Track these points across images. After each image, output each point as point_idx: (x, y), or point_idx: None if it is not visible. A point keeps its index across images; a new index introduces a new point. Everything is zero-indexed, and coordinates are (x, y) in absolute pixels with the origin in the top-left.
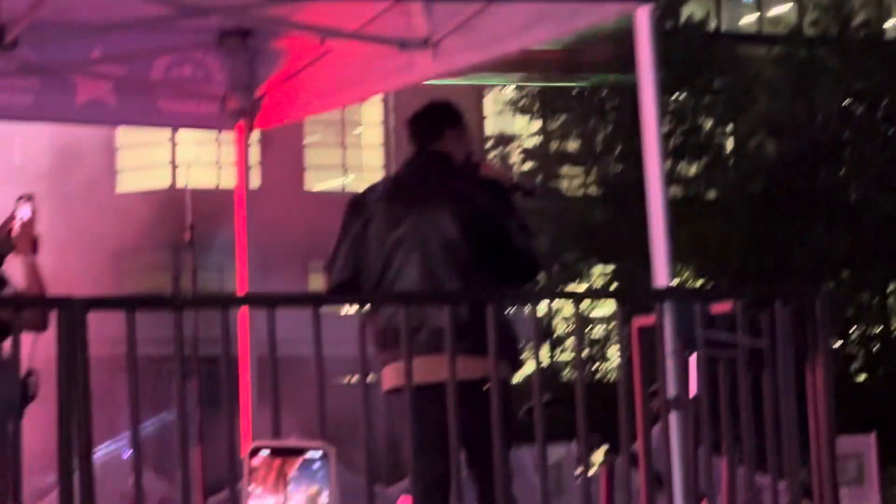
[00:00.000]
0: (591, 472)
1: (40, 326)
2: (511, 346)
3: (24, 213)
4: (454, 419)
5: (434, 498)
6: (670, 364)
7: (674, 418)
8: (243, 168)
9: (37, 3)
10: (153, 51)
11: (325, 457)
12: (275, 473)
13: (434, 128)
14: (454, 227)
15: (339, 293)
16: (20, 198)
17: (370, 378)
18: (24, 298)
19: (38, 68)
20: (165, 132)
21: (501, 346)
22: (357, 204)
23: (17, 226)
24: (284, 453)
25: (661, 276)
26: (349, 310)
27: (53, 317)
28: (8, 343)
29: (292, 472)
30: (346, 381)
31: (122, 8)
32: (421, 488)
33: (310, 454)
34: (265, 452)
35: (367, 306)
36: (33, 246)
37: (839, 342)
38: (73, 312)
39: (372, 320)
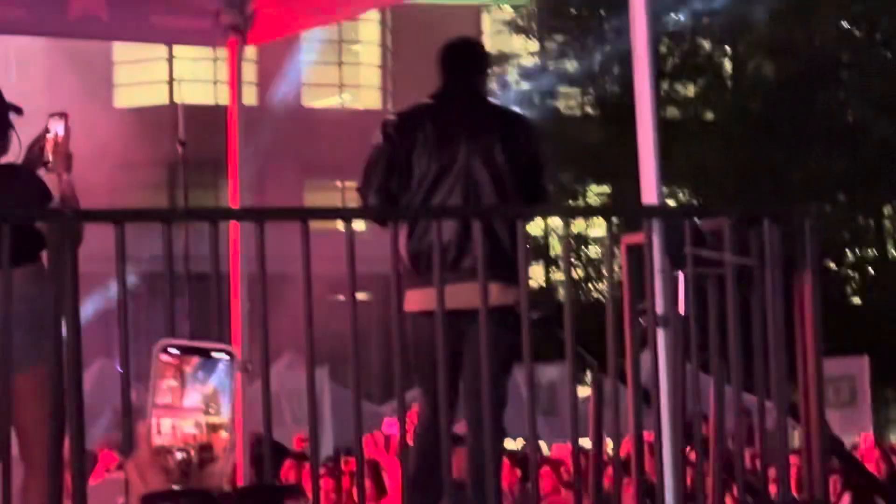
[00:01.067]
0: (581, 392)
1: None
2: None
3: (58, 129)
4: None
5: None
6: (659, 282)
7: (662, 336)
8: (235, 83)
9: None
10: None
11: (230, 360)
12: (174, 370)
13: (474, 63)
14: (502, 158)
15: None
16: (52, 114)
17: (363, 296)
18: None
19: None
20: (163, 48)
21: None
22: (396, 128)
23: (50, 142)
24: (192, 352)
25: (650, 194)
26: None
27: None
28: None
29: (190, 369)
30: (340, 298)
31: None
32: (432, 402)
33: (214, 355)
34: (173, 350)
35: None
36: (67, 163)
37: (834, 265)
38: (64, 224)
39: (407, 242)
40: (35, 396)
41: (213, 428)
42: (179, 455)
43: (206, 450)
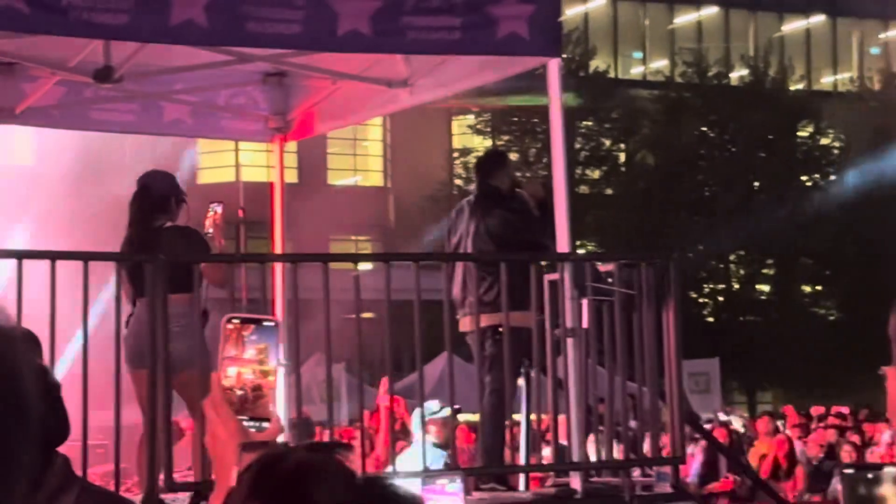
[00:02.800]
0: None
1: (222, 284)
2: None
3: (217, 209)
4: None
5: None
6: (569, 306)
7: (571, 343)
8: (281, 168)
9: (137, 50)
10: (218, 85)
11: (276, 325)
12: (236, 334)
13: (488, 168)
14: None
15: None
16: (213, 201)
17: (367, 315)
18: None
19: (137, 96)
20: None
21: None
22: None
23: (211, 219)
24: (248, 322)
25: (563, 244)
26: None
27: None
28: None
29: (247, 332)
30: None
31: (195, 55)
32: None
33: (265, 323)
34: (236, 321)
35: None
36: (222, 233)
37: (695, 295)
38: (158, 267)
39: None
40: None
41: (264, 374)
42: (239, 392)
43: (257, 389)
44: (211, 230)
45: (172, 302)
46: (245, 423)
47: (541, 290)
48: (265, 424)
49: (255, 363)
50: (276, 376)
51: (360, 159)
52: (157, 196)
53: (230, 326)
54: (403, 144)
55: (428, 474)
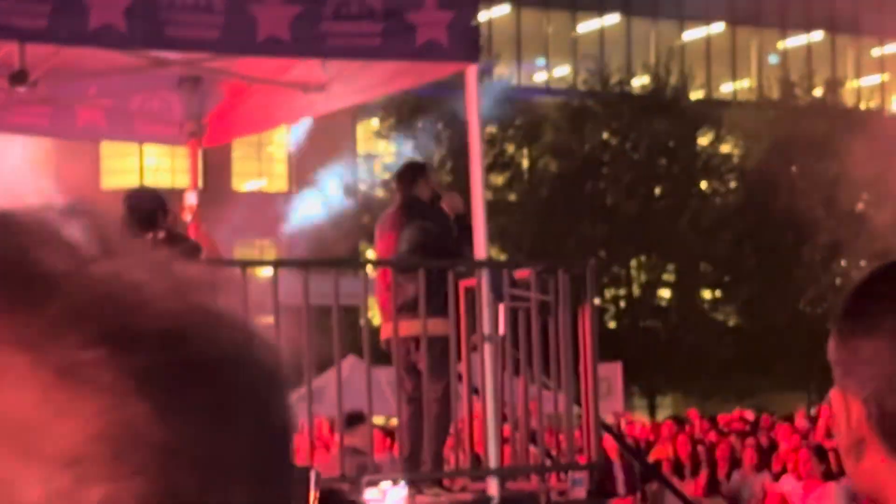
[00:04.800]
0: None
1: None
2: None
3: (192, 199)
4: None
5: None
6: (486, 312)
7: (487, 349)
8: (195, 172)
9: (52, 54)
10: (132, 89)
11: None
12: None
13: (409, 178)
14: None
15: None
16: (187, 190)
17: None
18: None
19: (51, 99)
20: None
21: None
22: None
23: (187, 208)
24: None
25: (480, 250)
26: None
27: None
28: None
29: None
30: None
31: (111, 59)
32: None
33: None
34: None
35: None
36: (199, 222)
37: (597, 300)
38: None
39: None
40: None
41: None
42: None
43: None
44: (189, 217)
45: None
46: None
47: (457, 297)
48: None
49: None
50: None
51: (264, 164)
52: (144, 213)
53: None
54: (307, 149)
55: (371, 478)
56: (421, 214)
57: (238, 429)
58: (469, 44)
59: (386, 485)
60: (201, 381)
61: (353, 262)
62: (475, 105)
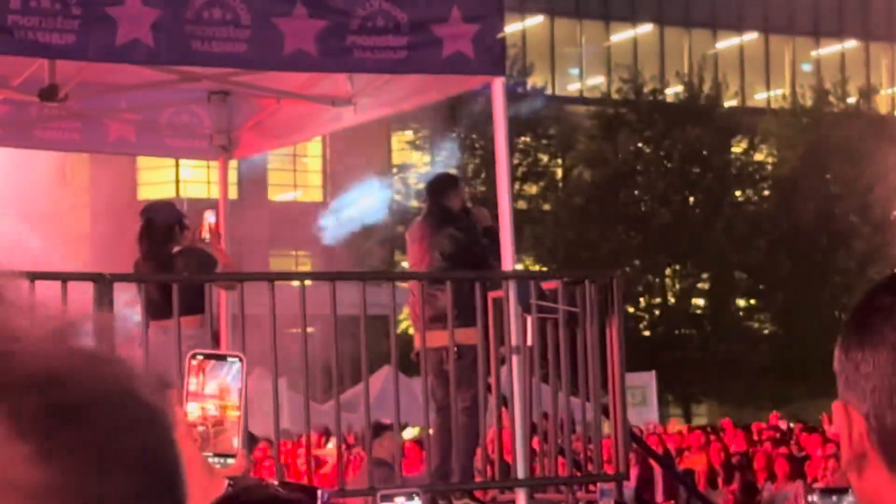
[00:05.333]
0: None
1: (230, 287)
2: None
3: (211, 218)
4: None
5: None
6: (514, 323)
7: (515, 360)
8: (224, 186)
9: (82, 69)
10: (162, 103)
11: (240, 361)
12: (199, 369)
13: (441, 189)
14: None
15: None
16: (207, 210)
17: (310, 330)
18: (69, 273)
19: (82, 114)
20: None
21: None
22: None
23: (205, 226)
24: (212, 357)
25: (508, 262)
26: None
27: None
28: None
29: (208, 367)
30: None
31: (140, 73)
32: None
33: (229, 358)
34: (200, 356)
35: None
36: (219, 238)
37: (631, 309)
38: (104, 284)
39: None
40: None
41: (224, 409)
42: (200, 428)
43: (218, 424)
44: (207, 236)
45: (184, 324)
46: (210, 459)
47: (486, 308)
48: (230, 461)
49: (217, 398)
50: (241, 412)
51: (299, 175)
52: (162, 226)
53: (194, 363)
54: (341, 160)
55: (384, 492)
56: (451, 223)
57: (121, 467)
58: (495, 56)
59: (400, 500)
60: (82, 423)
61: (379, 275)
62: (502, 117)
